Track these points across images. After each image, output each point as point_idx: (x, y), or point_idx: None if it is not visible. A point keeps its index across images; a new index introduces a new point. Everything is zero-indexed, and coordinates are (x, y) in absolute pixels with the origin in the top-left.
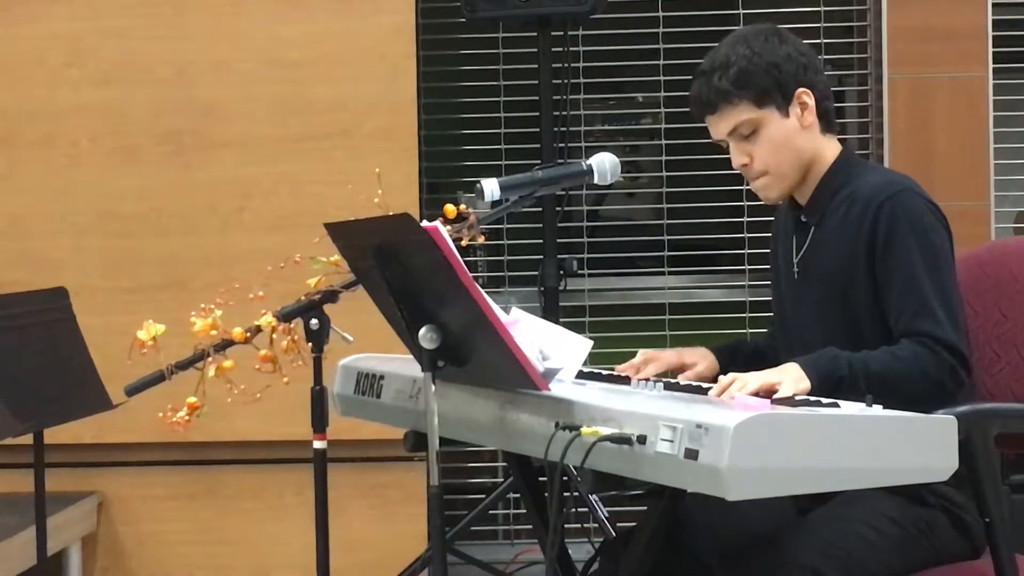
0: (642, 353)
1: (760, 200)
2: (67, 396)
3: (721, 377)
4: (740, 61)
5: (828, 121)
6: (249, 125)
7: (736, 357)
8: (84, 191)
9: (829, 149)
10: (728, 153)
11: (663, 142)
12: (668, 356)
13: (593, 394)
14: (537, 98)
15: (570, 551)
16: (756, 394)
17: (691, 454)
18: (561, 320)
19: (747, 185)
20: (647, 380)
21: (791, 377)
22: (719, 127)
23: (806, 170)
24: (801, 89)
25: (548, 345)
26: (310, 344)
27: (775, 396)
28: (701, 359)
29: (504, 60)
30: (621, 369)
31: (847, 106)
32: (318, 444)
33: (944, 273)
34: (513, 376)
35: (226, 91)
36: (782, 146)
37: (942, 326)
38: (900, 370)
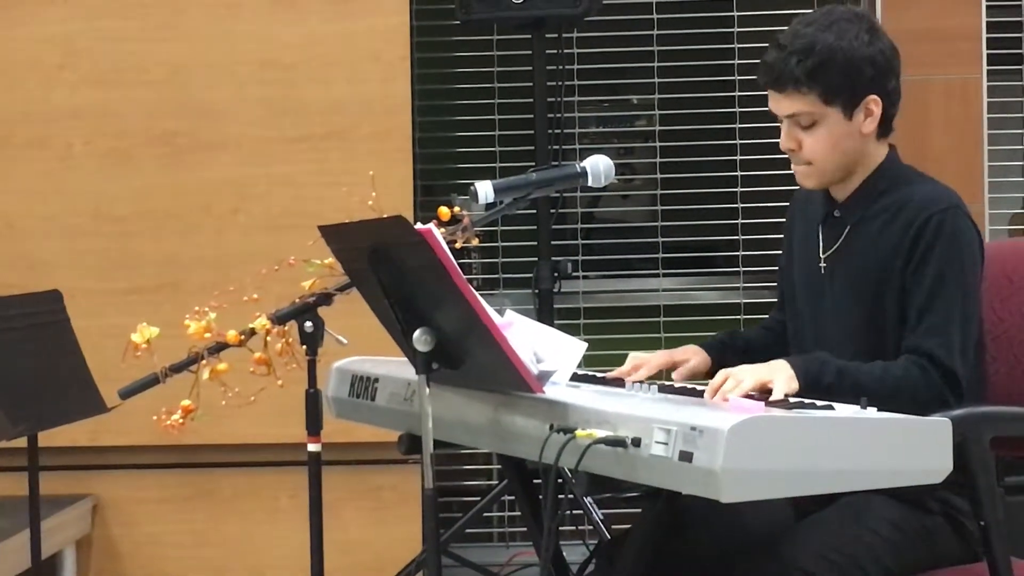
0: (632, 358)
1: (754, 201)
2: (61, 399)
3: (716, 377)
4: (823, 51)
5: (887, 128)
6: (244, 127)
7: (726, 352)
8: (78, 193)
9: (879, 152)
10: (724, 158)
11: (657, 144)
12: (658, 358)
13: (587, 397)
14: (531, 100)
15: (565, 553)
16: (750, 394)
17: (686, 456)
18: (556, 322)
19: (742, 187)
20: (641, 382)
21: (783, 376)
22: (780, 106)
23: (850, 170)
24: (872, 97)
25: (542, 348)
26: (304, 347)
27: (769, 399)
28: (692, 355)
29: (498, 62)
30: (612, 376)
31: None
32: (312, 447)
33: (969, 299)
34: (507, 379)
35: (220, 93)
36: (835, 146)
37: (948, 349)
38: (888, 388)
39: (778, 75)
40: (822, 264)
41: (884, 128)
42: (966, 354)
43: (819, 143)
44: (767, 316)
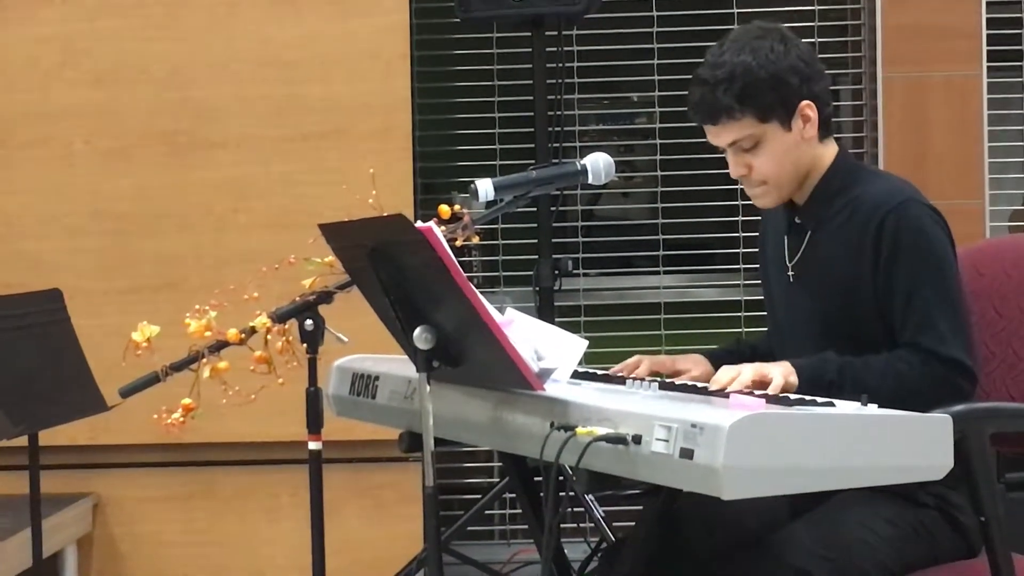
0: (636, 358)
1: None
2: (62, 398)
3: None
4: (745, 75)
5: (827, 128)
6: (243, 125)
7: (731, 361)
8: (78, 192)
9: (827, 152)
10: (724, 156)
11: (657, 141)
12: (661, 358)
13: (588, 394)
14: (531, 98)
15: (566, 551)
16: (751, 389)
17: (686, 454)
18: (556, 320)
19: (742, 185)
20: (642, 380)
21: (781, 371)
22: (720, 138)
23: (804, 177)
24: (804, 103)
25: (543, 345)
26: (305, 345)
27: (768, 392)
28: (695, 366)
29: (498, 60)
30: (616, 370)
31: (842, 105)
32: (313, 445)
33: (948, 285)
34: (508, 376)
35: (220, 91)
36: (783, 159)
37: (944, 340)
38: (892, 385)
39: (709, 109)
40: (790, 273)
41: (825, 129)
42: (962, 337)
43: (766, 160)
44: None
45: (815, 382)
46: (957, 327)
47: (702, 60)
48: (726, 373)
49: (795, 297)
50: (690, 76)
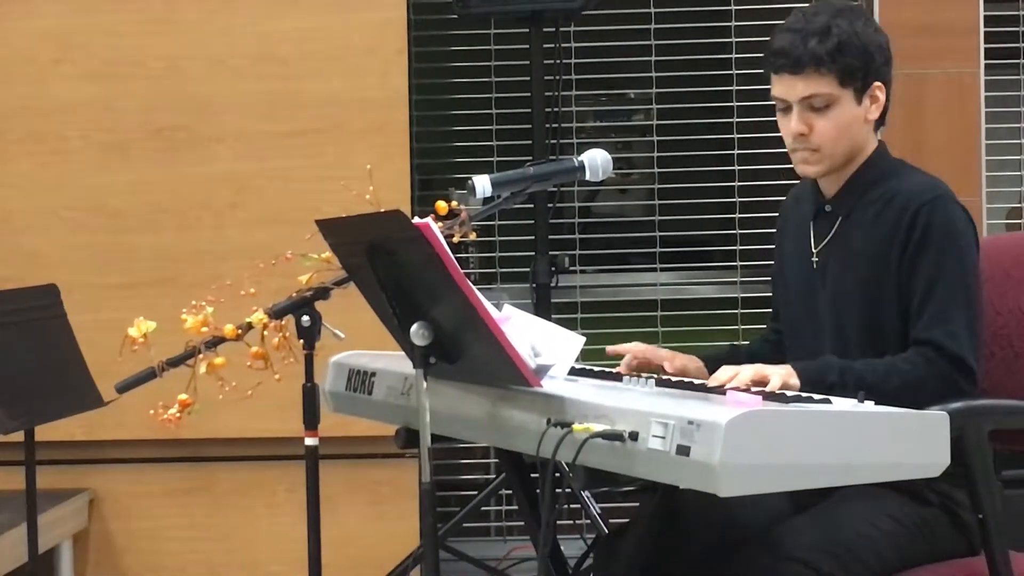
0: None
1: (751, 196)
2: (58, 393)
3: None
4: (841, 34)
5: (883, 119)
6: (240, 120)
7: (729, 364)
8: (75, 187)
9: (872, 143)
10: (721, 154)
11: (655, 138)
12: (659, 349)
13: (585, 390)
14: (529, 94)
15: (562, 547)
16: (748, 387)
17: (683, 450)
18: (553, 316)
19: (740, 181)
20: (639, 376)
21: (781, 371)
22: (795, 88)
23: (851, 158)
24: (878, 84)
25: (540, 342)
26: (301, 341)
27: (766, 388)
28: (690, 364)
29: (496, 56)
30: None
31: None
32: (310, 441)
33: (969, 286)
34: (505, 372)
35: (217, 86)
36: (845, 130)
37: (954, 337)
38: (894, 384)
39: (797, 57)
40: (815, 259)
41: (881, 119)
42: (972, 338)
43: (831, 126)
44: (765, 322)
45: (816, 384)
46: (969, 327)
47: (699, 57)
48: (725, 372)
49: (816, 282)
50: (688, 74)
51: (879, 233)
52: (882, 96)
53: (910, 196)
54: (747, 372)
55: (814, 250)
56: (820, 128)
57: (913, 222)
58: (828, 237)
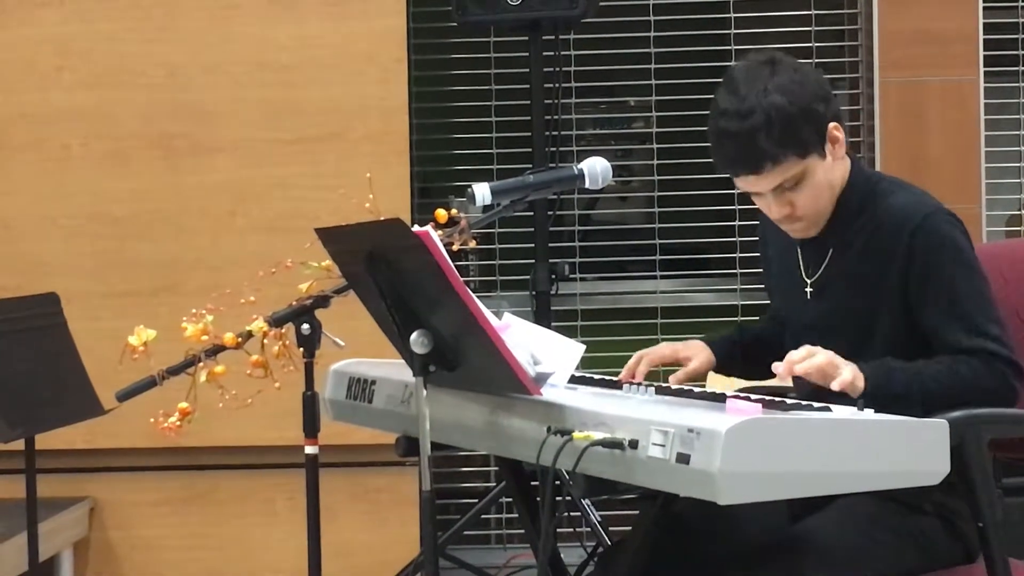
0: (637, 354)
1: (751, 203)
2: (58, 402)
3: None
4: (780, 116)
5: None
6: (240, 128)
7: (734, 350)
8: (75, 195)
9: (845, 167)
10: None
11: (655, 146)
12: (661, 349)
13: (585, 398)
14: (528, 102)
15: (562, 555)
16: (747, 396)
17: (683, 458)
18: (553, 324)
19: (739, 189)
20: (638, 384)
21: (850, 370)
22: (760, 184)
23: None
24: (832, 125)
25: (540, 350)
26: (301, 349)
27: (831, 387)
28: (696, 354)
29: (495, 64)
30: (623, 378)
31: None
32: (310, 449)
33: (985, 292)
34: (505, 381)
35: (217, 94)
36: (824, 189)
37: (999, 342)
38: (958, 387)
39: (751, 160)
40: (808, 289)
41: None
42: (1010, 341)
43: (810, 194)
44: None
45: (882, 390)
46: (1004, 331)
47: (698, 64)
48: (799, 352)
49: (812, 313)
50: (687, 81)
51: (873, 264)
52: (840, 133)
53: (898, 222)
54: (821, 358)
55: (807, 280)
56: (801, 202)
57: (911, 250)
58: (822, 268)
